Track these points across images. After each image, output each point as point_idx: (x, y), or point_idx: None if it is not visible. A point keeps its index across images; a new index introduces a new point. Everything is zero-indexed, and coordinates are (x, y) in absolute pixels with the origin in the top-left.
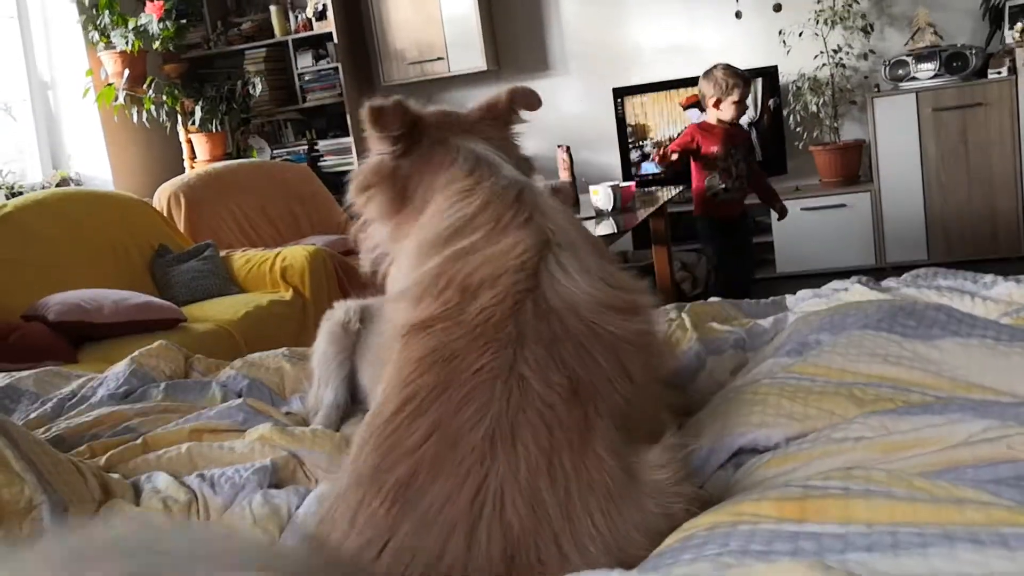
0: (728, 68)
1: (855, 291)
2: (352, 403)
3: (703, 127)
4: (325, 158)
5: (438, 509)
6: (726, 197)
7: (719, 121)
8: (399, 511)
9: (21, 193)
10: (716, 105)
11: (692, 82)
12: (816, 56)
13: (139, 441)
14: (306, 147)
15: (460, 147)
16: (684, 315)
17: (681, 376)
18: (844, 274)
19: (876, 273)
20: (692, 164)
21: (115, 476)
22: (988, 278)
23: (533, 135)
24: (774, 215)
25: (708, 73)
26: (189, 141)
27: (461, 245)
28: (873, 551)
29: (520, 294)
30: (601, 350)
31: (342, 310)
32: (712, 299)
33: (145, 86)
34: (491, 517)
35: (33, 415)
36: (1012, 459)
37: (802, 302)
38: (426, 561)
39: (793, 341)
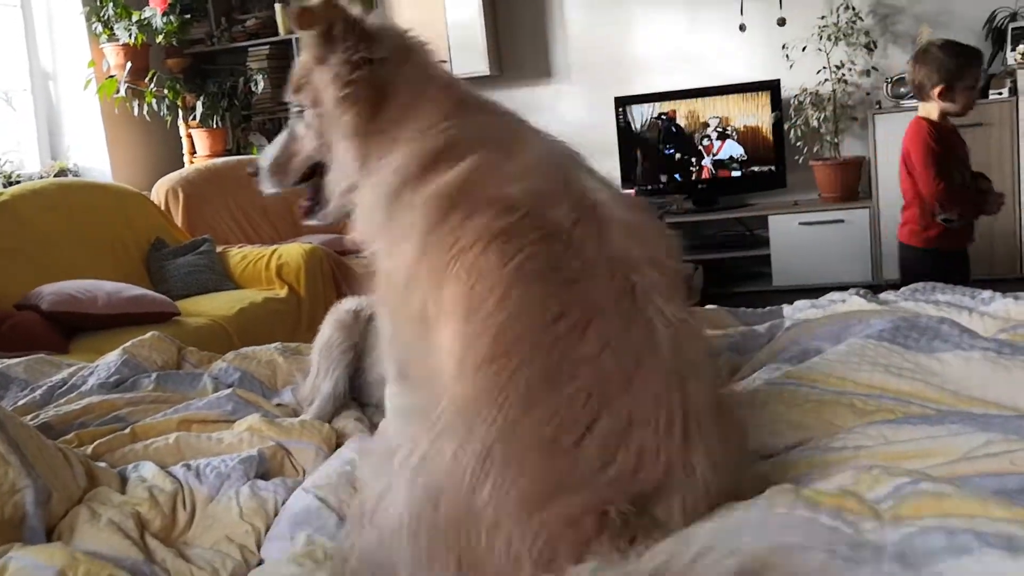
0: (950, 45)
1: (853, 303)
2: (349, 397)
3: (935, 126)
4: None
5: (649, 409)
6: (959, 224)
7: (942, 116)
8: (597, 403)
9: (19, 183)
10: (942, 95)
11: (694, 93)
12: (819, 71)
13: (127, 430)
14: None
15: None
16: None
17: None
18: (840, 289)
19: (872, 290)
20: (909, 175)
21: (102, 465)
22: (986, 294)
23: None
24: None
25: (923, 55)
26: (189, 136)
27: (477, 159)
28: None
29: (588, 210)
30: (675, 291)
31: (354, 303)
32: (708, 307)
33: (147, 80)
34: (696, 432)
35: (22, 402)
36: (1015, 472)
37: (798, 312)
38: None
39: (794, 348)
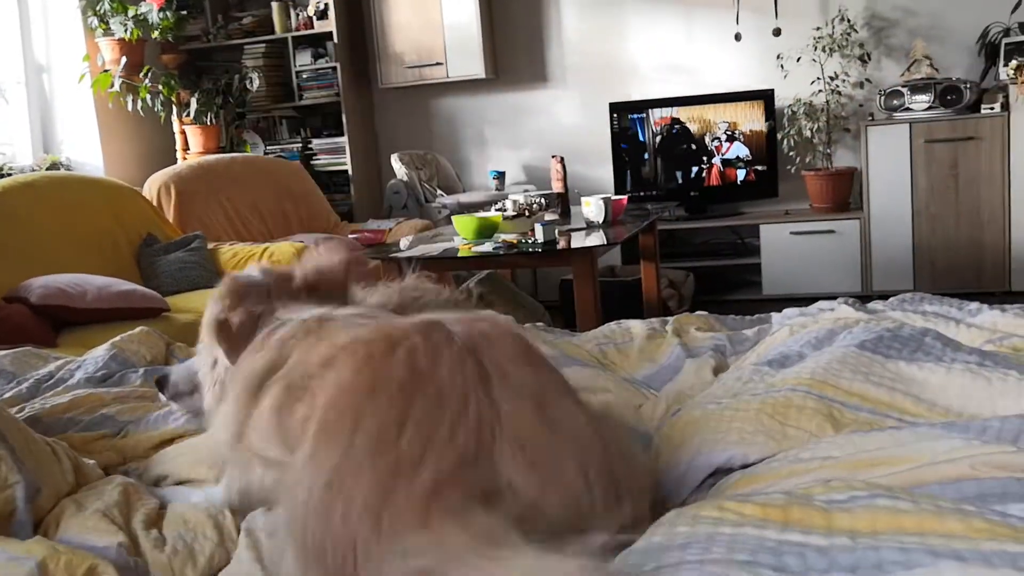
0: None
1: (841, 311)
2: None
3: None
4: (318, 157)
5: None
6: None
7: None
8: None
9: (10, 175)
10: None
11: (688, 101)
12: (813, 82)
13: (115, 440)
14: (300, 145)
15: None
16: (668, 327)
17: (659, 377)
18: (830, 299)
19: (862, 300)
20: None
21: (91, 462)
22: (973, 306)
23: (529, 144)
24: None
25: None
26: (183, 132)
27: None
28: (857, 570)
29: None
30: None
31: None
32: (698, 312)
33: (142, 75)
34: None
35: (8, 394)
36: (974, 477)
37: (787, 320)
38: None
39: (777, 351)
